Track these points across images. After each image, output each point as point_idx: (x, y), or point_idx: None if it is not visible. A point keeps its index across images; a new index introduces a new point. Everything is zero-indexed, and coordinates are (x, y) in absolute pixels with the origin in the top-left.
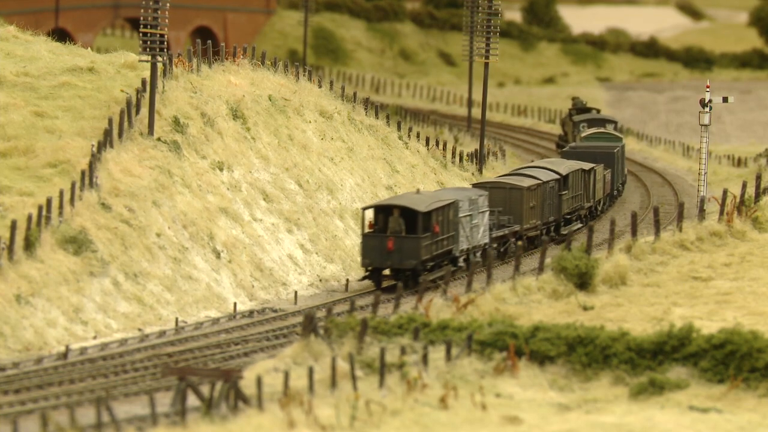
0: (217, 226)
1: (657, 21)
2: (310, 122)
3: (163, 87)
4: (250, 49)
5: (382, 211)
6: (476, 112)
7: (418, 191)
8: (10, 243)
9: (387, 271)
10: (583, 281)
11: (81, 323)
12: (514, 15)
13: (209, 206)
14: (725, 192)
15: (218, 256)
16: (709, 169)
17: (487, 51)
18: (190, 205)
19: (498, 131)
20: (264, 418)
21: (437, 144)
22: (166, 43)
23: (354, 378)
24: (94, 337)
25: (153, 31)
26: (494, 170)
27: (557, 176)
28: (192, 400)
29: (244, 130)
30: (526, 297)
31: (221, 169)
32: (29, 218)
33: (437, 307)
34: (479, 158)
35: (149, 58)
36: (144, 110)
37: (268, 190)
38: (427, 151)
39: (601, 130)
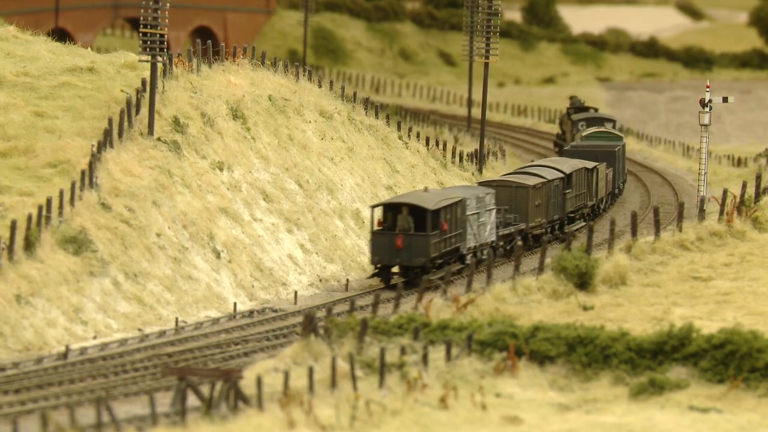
0: (217, 226)
1: (657, 21)
2: (310, 122)
3: (163, 87)
4: (250, 49)
5: (391, 208)
6: (476, 112)
7: (426, 189)
8: (10, 243)
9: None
10: (583, 281)
11: (81, 323)
12: (514, 15)
13: (209, 206)
14: (725, 192)
15: (218, 256)
16: (709, 169)
17: (487, 51)
18: (190, 205)
19: (498, 131)
20: (264, 418)
21: (437, 144)
22: (166, 43)
23: (354, 378)
24: (94, 337)
25: (153, 31)
26: (494, 170)
27: (561, 175)
28: (192, 400)
29: (244, 130)
30: (526, 297)
31: (221, 169)
32: (29, 218)
33: (437, 307)
34: (479, 158)
35: (149, 58)
36: (144, 110)
37: (268, 190)
38: (427, 151)
39: (602, 129)
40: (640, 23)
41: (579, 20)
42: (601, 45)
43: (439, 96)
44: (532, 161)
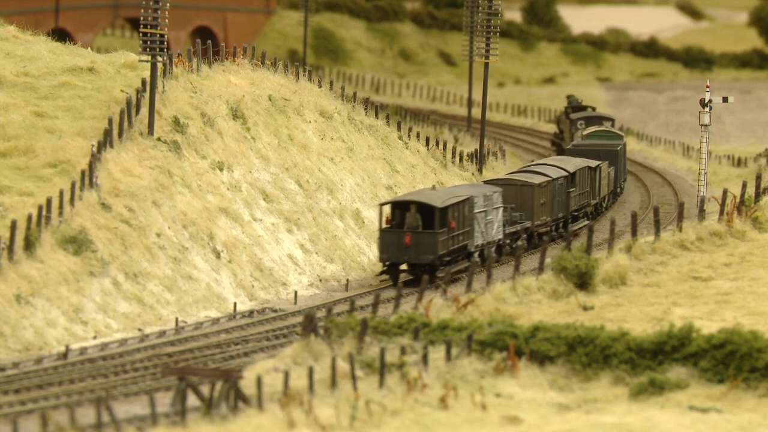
0: (217, 226)
1: (657, 21)
2: (310, 122)
3: (163, 87)
4: (250, 49)
5: (399, 206)
6: (476, 112)
7: (433, 187)
8: (10, 243)
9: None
10: (583, 281)
11: (81, 323)
12: (514, 15)
13: (209, 206)
14: (725, 192)
15: (218, 256)
16: (709, 169)
17: (487, 51)
18: (190, 205)
19: (498, 131)
20: (264, 418)
21: (437, 144)
22: (166, 43)
23: (354, 378)
24: (94, 337)
25: (153, 31)
26: (494, 170)
27: (566, 173)
28: (192, 400)
29: (244, 130)
30: (526, 297)
31: (221, 169)
32: (29, 218)
33: (437, 307)
34: (479, 158)
35: (149, 58)
36: (144, 110)
37: (268, 190)
38: (427, 151)
39: (603, 128)
40: (640, 23)
41: (579, 20)
42: (601, 45)
43: (439, 96)
44: (532, 161)
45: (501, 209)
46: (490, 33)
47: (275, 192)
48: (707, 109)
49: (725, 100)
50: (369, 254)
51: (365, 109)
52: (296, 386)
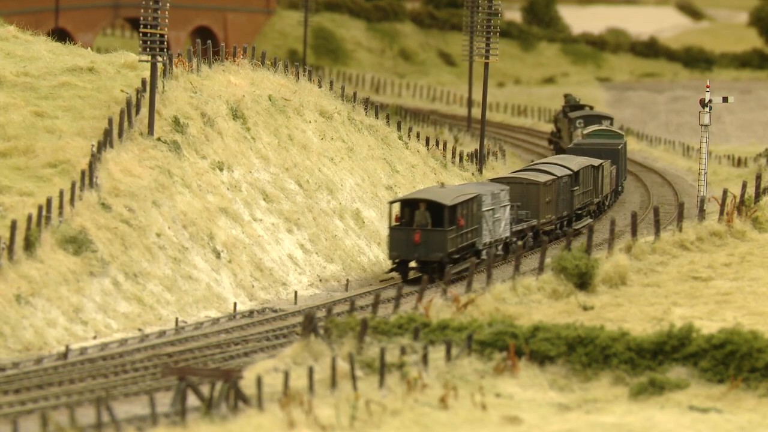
0: (217, 226)
1: (657, 21)
2: (310, 122)
3: (163, 87)
4: (250, 49)
5: (409, 204)
6: (476, 112)
7: (442, 185)
8: (10, 243)
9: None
10: (583, 281)
11: (81, 323)
12: (514, 15)
13: (209, 206)
14: (725, 192)
15: (218, 256)
16: (709, 169)
17: (487, 51)
18: (190, 205)
19: (498, 131)
20: (264, 418)
21: (437, 144)
22: (166, 43)
23: (354, 378)
24: (94, 337)
25: (153, 31)
26: (494, 170)
27: (570, 172)
28: (192, 400)
29: (244, 130)
30: (526, 297)
31: (221, 169)
32: (29, 218)
33: (437, 307)
34: (479, 158)
35: (149, 58)
36: (144, 110)
37: (268, 190)
38: (427, 151)
39: (603, 127)
40: (640, 23)
41: (579, 20)
42: (601, 45)
43: (439, 96)
44: (532, 161)
45: (508, 207)
46: (490, 33)
47: (275, 192)
48: (707, 109)
49: (725, 100)
50: (369, 254)
51: (365, 109)
52: (296, 386)
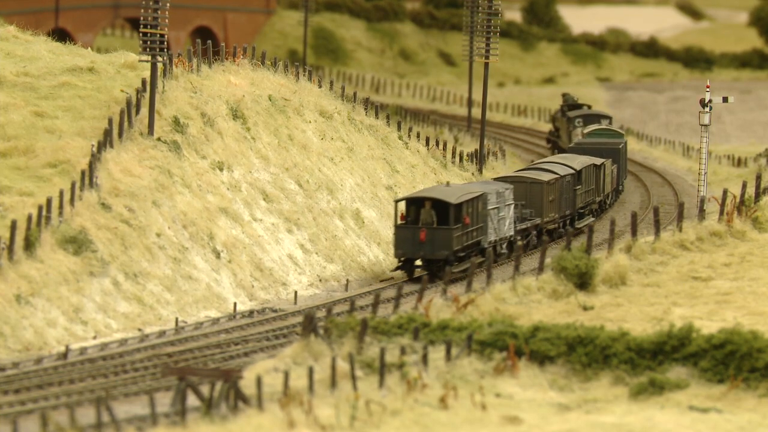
0: (217, 226)
1: (657, 21)
2: (310, 122)
3: (163, 87)
4: (250, 49)
5: (414, 203)
6: (476, 112)
7: (447, 184)
8: (10, 243)
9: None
10: (583, 281)
11: (81, 323)
12: (514, 15)
13: (209, 206)
14: (725, 192)
15: (218, 256)
16: (709, 169)
17: (487, 51)
18: (190, 205)
19: (498, 131)
20: (264, 418)
21: (437, 144)
22: (166, 43)
23: (354, 378)
24: (94, 337)
25: (153, 31)
26: (494, 170)
27: (572, 171)
28: (192, 400)
29: (244, 130)
30: (526, 297)
31: (221, 169)
32: (29, 218)
33: (437, 307)
34: (479, 158)
35: (149, 58)
36: (144, 110)
37: (268, 190)
38: (427, 151)
39: (604, 126)
40: (640, 23)
41: (579, 20)
42: (601, 45)
43: (439, 96)
44: (533, 161)
45: (512, 206)
46: (490, 33)
47: (275, 192)
48: (707, 109)
49: (725, 100)
50: (369, 254)
51: (365, 109)
52: (296, 386)
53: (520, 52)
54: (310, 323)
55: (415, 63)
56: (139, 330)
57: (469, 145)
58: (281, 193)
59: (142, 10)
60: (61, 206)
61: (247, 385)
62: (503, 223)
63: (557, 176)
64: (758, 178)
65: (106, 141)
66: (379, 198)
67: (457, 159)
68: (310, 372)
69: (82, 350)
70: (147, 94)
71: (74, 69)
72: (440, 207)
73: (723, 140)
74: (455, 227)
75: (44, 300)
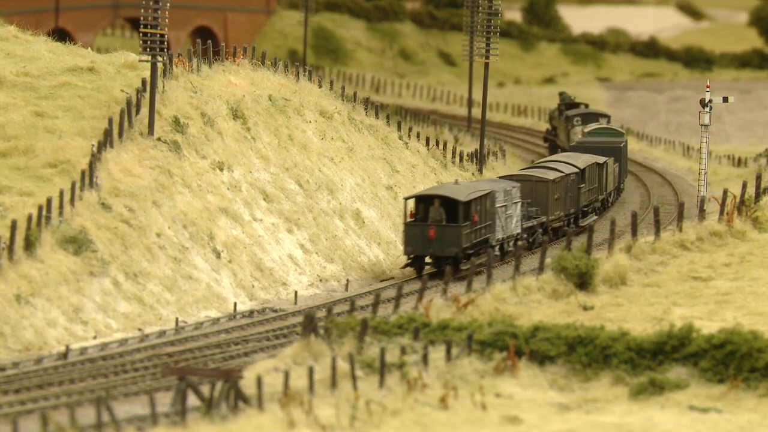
0: (217, 226)
1: (657, 21)
2: (310, 122)
3: (163, 87)
4: (250, 49)
5: (423, 200)
6: (476, 112)
7: (456, 182)
8: (10, 243)
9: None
10: (583, 281)
11: (81, 323)
12: (514, 15)
13: (209, 206)
14: (725, 192)
15: (218, 256)
16: (709, 169)
17: (487, 51)
18: (190, 205)
19: (498, 131)
20: (264, 418)
21: (437, 144)
22: (166, 43)
23: (354, 378)
24: (94, 337)
25: (153, 31)
26: (494, 170)
27: (577, 170)
28: (192, 400)
29: (244, 130)
30: (526, 297)
31: (221, 169)
32: (29, 218)
33: (437, 307)
34: (479, 158)
35: (149, 58)
36: (144, 110)
37: (268, 190)
38: (427, 151)
39: (604, 125)
40: (640, 23)
41: (579, 20)
42: (601, 45)
43: (439, 96)
44: (533, 161)
45: (519, 204)
46: (490, 33)
47: (275, 192)
48: (707, 109)
49: (725, 100)
50: (369, 254)
51: (365, 109)
52: (296, 386)
53: (520, 52)
54: (310, 323)
55: (415, 63)
56: (139, 330)
57: (469, 145)
58: (281, 193)
59: (142, 10)
60: (61, 206)
61: (247, 385)
62: (510, 221)
63: (562, 175)
64: (758, 178)
65: (106, 141)
66: (379, 198)
67: (457, 159)
68: (310, 372)
69: (82, 350)
70: (147, 94)
71: (74, 69)
72: (449, 204)
73: (723, 140)
74: (464, 225)
75: (44, 300)
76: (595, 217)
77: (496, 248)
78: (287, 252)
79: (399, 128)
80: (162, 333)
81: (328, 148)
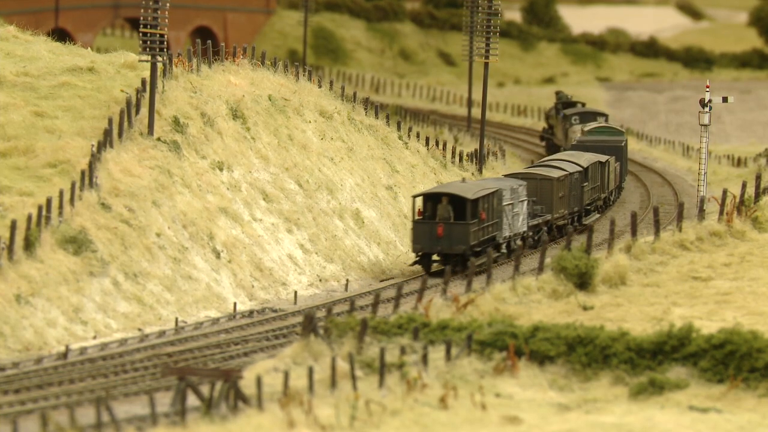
0: (217, 226)
1: (657, 21)
2: (310, 122)
3: (163, 87)
4: (250, 49)
5: (431, 198)
6: (476, 112)
7: (463, 180)
8: (10, 243)
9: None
10: (583, 281)
11: (81, 323)
12: (514, 15)
13: (209, 206)
14: (725, 192)
15: (218, 256)
16: (709, 169)
17: (487, 51)
18: (190, 205)
19: (498, 131)
20: (264, 418)
21: (437, 144)
22: (166, 43)
23: (354, 378)
24: (94, 337)
25: (153, 31)
26: (494, 170)
27: (580, 168)
28: (192, 400)
29: (244, 130)
30: (526, 297)
31: (221, 169)
32: (29, 218)
33: (437, 307)
34: (479, 158)
35: (149, 58)
36: (144, 110)
37: (268, 190)
38: (427, 151)
39: (604, 124)
40: (640, 23)
41: (579, 20)
42: (601, 45)
43: (439, 96)
44: (533, 161)
45: (525, 202)
46: (490, 33)
47: (275, 192)
48: (707, 109)
49: (725, 100)
50: (369, 254)
51: (365, 109)
52: (296, 386)
53: (520, 52)
54: (310, 323)
55: (415, 63)
56: (139, 330)
57: (469, 145)
58: (281, 193)
59: (142, 10)
60: (61, 206)
61: (247, 385)
62: (517, 219)
63: (566, 173)
64: (758, 178)
65: (106, 141)
66: (379, 198)
67: (457, 159)
68: (310, 372)
69: (82, 350)
70: (147, 94)
71: (74, 69)
72: (457, 202)
73: (723, 140)
74: (472, 222)
75: (44, 300)
76: (598, 216)
77: (503, 246)
78: (287, 252)
79: (399, 128)
80: (162, 333)
81: (328, 148)
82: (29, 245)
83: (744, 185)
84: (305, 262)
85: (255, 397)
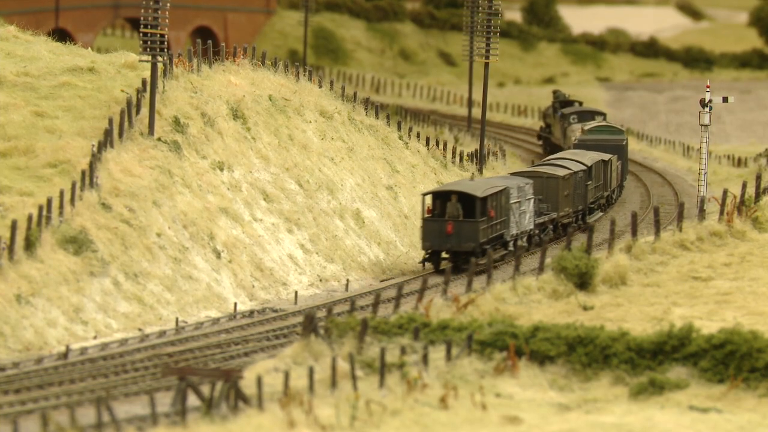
0: (218, 226)
1: (657, 21)
2: (310, 122)
3: (164, 87)
4: (250, 49)
5: (440, 196)
6: (476, 112)
7: (472, 178)
8: (11, 243)
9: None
10: (583, 281)
11: (81, 323)
12: (514, 15)
13: (209, 206)
14: (725, 192)
15: (218, 256)
16: (709, 169)
17: (487, 51)
18: (191, 205)
19: (498, 131)
20: (264, 418)
21: (437, 144)
22: (166, 43)
23: (354, 378)
24: (94, 337)
25: (153, 31)
26: (494, 170)
27: (584, 167)
28: (192, 400)
29: (244, 130)
30: (526, 297)
31: (221, 169)
32: (29, 218)
33: (437, 307)
34: (479, 158)
35: (149, 58)
36: (144, 110)
37: (268, 190)
38: (427, 151)
39: (605, 123)
40: (640, 23)
41: (579, 20)
42: (601, 45)
43: (439, 96)
44: (533, 161)
45: (532, 200)
46: (490, 33)
47: (275, 192)
48: (707, 109)
49: (725, 100)
50: (369, 254)
51: (365, 109)
52: (296, 386)
53: (520, 52)
54: (311, 323)
55: (415, 63)
56: (140, 330)
57: (469, 145)
58: (281, 193)
59: (142, 10)
60: (61, 206)
61: (247, 385)
62: (524, 217)
63: (571, 171)
64: (758, 178)
65: (106, 141)
66: (379, 198)
67: (457, 159)
68: (311, 372)
69: (83, 350)
70: (147, 94)
71: (74, 69)
72: (467, 200)
73: (723, 140)
74: (481, 220)
75: (44, 300)
76: (601, 214)
77: (510, 244)
78: (287, 252)
79: (399, 128)
80: (162, 333)
81: (328, 148)
82: (30, 245)
83: (744, 185)
84: (306, 262)
85: (255, 397)
